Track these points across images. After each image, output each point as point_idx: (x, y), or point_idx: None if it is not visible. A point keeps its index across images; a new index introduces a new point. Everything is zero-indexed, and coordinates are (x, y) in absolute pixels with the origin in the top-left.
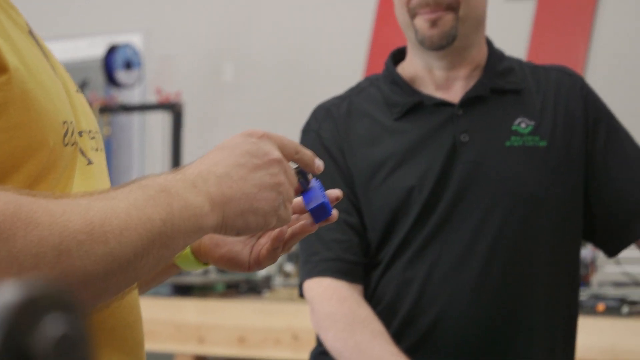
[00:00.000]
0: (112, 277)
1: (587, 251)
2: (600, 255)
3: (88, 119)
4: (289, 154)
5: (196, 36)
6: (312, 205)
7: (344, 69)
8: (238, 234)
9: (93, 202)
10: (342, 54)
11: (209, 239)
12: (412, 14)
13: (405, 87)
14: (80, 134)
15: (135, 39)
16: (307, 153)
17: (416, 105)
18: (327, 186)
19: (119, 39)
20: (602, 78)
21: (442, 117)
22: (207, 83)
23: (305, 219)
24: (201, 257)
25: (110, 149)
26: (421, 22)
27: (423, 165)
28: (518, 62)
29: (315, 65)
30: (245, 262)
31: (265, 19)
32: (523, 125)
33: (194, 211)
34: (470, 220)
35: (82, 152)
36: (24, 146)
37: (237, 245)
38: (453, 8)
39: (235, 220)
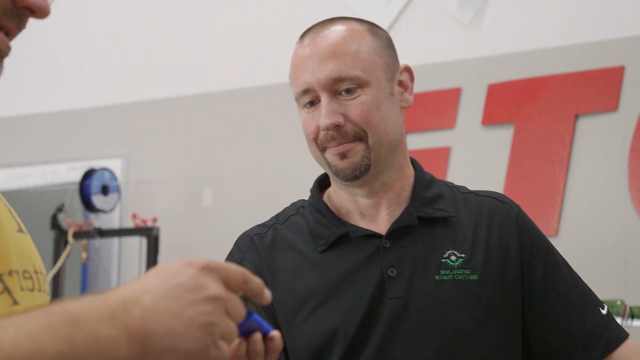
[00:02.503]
0: None
1: None
2: None
3: (24, 259)
4: (236, 285)
5: (175, 162)
6: None
7: None
8: None
9: None
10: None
11: None
12: (322, 149)
13: (331, 217)
14: (9, 273)
15: (114, 164)
16: (257, 283)
17: (342, 236)
18: None
19: (99, 163)
20: (581, 206)
21: (369, 250)
22: (185, 208)
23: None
24: None
25: (86, 273)
26: (331, 155)
27: (349, 302)
28: (449, 187)
29: (294, 189)
30: None
31: (244, 144)
32: (453, 258)
33: (103, 345)
34: None
35: (9, 292)
36: None
37: None
38: (361, 138)
39: (156, 357)
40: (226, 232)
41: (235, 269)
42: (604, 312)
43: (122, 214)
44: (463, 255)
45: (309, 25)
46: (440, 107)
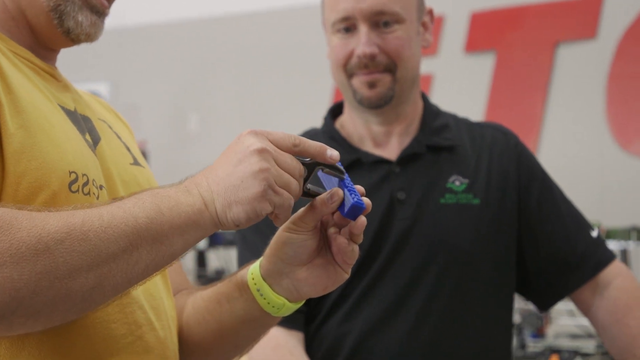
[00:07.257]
0: (99, 269)
1: None
2: (556, 307)
3: (132, 188)
4: (286, 148)
5: (162, 86)
6: (345, 209)
7: (306, 119)
8: (237, 225)
9: (78, 211)
10: (304, 105)
11: (278, 286)
12: (349, 74)
13: (344, 143)
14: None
15: (102, 88)
16: (311, 144)
17: (354, 162)
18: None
19: (86, 87)
20: (559, 132)
21: (380, 174)
22: (172, 132)
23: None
24: (297, 298)
25: None
26: (359, 83)
27: None
28: (454, 118)
29: (278, 114)
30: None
31: (229, 70)
32: (457, 183)
33: (185, 208)
34: (405, 277)
35: None
36: (27, 187)
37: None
38: (390, 70)
39: (226, 212)
40: (213, 157)
41: (281, 134)
42: (594, 234)
43: None
44: (467, 180)
45: None
46: None
